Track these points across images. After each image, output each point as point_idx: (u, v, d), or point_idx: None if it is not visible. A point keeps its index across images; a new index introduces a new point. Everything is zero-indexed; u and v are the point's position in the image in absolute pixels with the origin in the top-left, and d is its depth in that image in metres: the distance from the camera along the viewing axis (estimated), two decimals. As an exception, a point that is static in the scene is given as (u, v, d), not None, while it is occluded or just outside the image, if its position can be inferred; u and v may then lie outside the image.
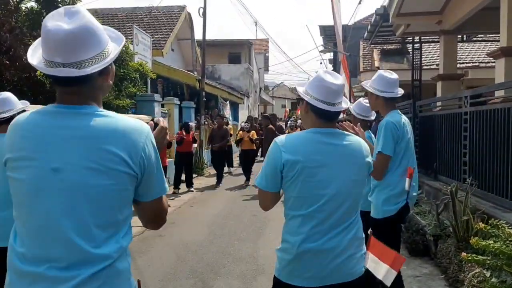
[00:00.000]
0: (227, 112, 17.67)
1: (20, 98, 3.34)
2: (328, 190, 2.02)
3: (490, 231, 3.51)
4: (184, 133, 10.22)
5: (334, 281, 2.03)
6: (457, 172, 5.81)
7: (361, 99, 3.84)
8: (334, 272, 2.03)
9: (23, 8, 8.02)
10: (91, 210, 1.35)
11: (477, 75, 14.23)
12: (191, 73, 16.10)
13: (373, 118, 3.73)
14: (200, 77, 15.05)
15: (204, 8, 14.13)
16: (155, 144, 1.50)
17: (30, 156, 1.36)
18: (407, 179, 3.18)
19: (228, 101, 18.55)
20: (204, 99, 14.84)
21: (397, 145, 3.18)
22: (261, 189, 2.16)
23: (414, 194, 3.35)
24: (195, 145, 10.85)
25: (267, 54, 40.90)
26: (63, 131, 1.36)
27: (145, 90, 9.51)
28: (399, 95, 3.28)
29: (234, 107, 23.73)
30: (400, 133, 3.17)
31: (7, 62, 6.85)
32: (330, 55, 33.51)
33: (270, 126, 12.24)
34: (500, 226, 3.32)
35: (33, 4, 8.03)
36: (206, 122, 14.67)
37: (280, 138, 2.12)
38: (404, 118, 3.30)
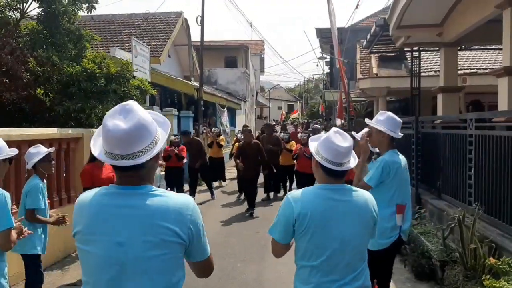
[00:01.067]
0: (224, 119, 17.57)
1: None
2: (335, 243, 2.25)
3: (501, 267, 3.50)
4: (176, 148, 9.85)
5: None
6: (462, 194, 5.79)
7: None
8: None
9: (23, 27, 7.94)
10: (150, 277, 1.63)
11: (475, 82, 14.27)
12: (189, 82, 16.04)
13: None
14: (198, 86, 14.99)
15: (202, 17, 14.08)
16: (199, 214, 1.77)
17: (98, 232, 1.64)
18: (399, 215, 3.55)
19: (225, 108, 18.49)
20: (203, 108, 14.79)
21: (390, 182, 3.53)
22: (274, 240, 2.40)
23: (406, 227, 3.70)
24: (185, 160, 10.18)
25: (262, 56, 40.87)
26: (124, 210, 1.65)
27: (144, 105, 9.45)
28: (400, 136, 3.65)
29: (232, 113, 23.68)
30: (392, 172, 3.52)
31: (7, 81, 6.78)
32: (327, 57, 33.46)
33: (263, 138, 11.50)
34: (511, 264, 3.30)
35: (33, 23, 7.95)
36: (204, 131, 14.61)
37: (293, 194, 2.36)
38: (402, 158, 3.63)
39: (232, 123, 23.37)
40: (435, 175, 6.92)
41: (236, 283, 5.46)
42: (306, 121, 36.96)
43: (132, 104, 1.69)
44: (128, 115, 1.63)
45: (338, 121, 19.87)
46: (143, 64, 11.00)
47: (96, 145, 1.72)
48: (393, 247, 3.56)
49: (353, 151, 2.42)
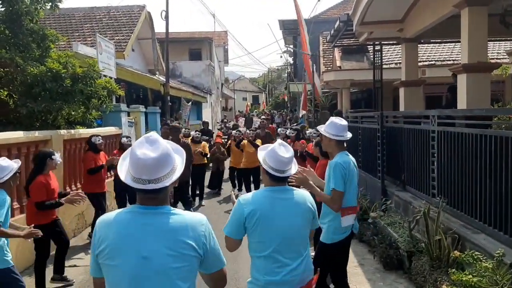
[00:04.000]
0: (185, 114, 17.14)
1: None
2: (281, 235, 2.68)
3: (465, 259, 3.75)
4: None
5: None
6: (426, 186, 6.07)
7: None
8: None
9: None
10: (171, 285, 1.85)
11: (434, 74, 14.77)
12: (155, 77, 15.86)
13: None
14: (164, 81, 14.85)
15: (167, 11, 13.92)
16: (211, 230, 2.02)
17: (125, 247, 1.83)
18: (352, 215, 3.89)
19: (190, 102, 18.38)
20: (170, 103, 14.68)
21: (346, 183, 3.79)
22: (228, 236, 2.79)
23: (357, 225, 4.10)
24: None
25: (226, 47, 40.66)
26: (148, 227, 1.86)
27: (111, 105, 9.31)
28: (348, 138, 3.92)
29: (198, 106, 23.57)
30: (347, 171, 3.79)
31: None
32: (291, 49, 33.70)
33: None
34: (475, 258, 3.55)
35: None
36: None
37: (243, 197, 2.78)
38: (351, 158, 3.92)
39: (199, 116, 23.27)
40: (400, 168, 7.20)
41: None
42: (269, 111, 37.12)
43: (155, 135, 1.96)
44: (154, 145, 1.89)
45: (302, 113, 20.11)
46: (109, 60, 10.83)
47: (122, 171, 1.95)
48: (346, 241, 3.92)
49: (294, 160, 2.85)
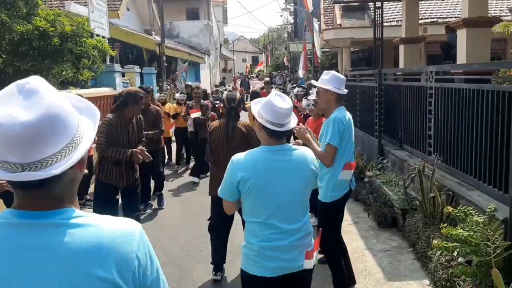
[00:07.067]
0: (181, 74, 16.68)
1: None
2: (278, 200, 2.43)
3: (457, 214, 3.70)
4: None
5: (289, 271, 2.46)
6: (422, 144, 5.99)
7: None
8: (290, 264, 2.46)
9: None
10: None
11: (436, 31, 14.41)
12: (150, 37, 15.53)
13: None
14: (160, 41, 14.54)
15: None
16: (149, 245, 1.19)
17: None
18: (350, 171, 3.78)
19: (187, 63, 18.07)
20: (165, 64, 14.43)
21: (342, 139, 3.67)
22: (223, 198, 2.57)
23: (354, 181, 3.96)
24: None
25: (225, 6, 39.80)
26: (30, 254, 1.03)
27: (103, 66, 9.11)
28: (345, 92, 3.83)
29: (196, 68, 23.23)
30: (346, 127, 3.67)
31: None
32: (291, 7, 32.93)
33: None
34: (467, 213, 3.50)
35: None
36: (169, 87, 14.34)
37: (236, 158, 2.49)
38: (349, 114, 3.80)
39: (197, 78, 22.98)
40: (397, 127, 7.10)
41: (207, 241, 5.57)
42: (269, 73, 36.71)
43: (36, 82, 1.07)
44: (31, 99, 1.03)
45: (302, 73, 19.83)
46: (101, 19, 10.53)
47: None
48: (345, 197, 3.85)
49: (293, 113, 2.57)
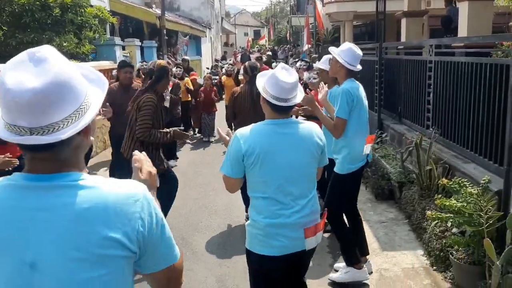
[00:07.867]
0: (182, 48, 16.46)
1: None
2: (283, 174, 2.36)
3: (452, 186, 3.77)
4: None
5: (293, 250, 2.41)
6: (421, 118, 6.03)
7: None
8: (294, 243, 2.40)
9: None
10: None
11: (440, 5, 14.24)
12: (150, 10, 15.38)
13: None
14: (160, 14, 14.41)
15: None
16: (154, 206, 1.24)
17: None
18: (368, 145, 3.73)
19: (187, 36, 17.91)
20: (166, 37, 14.33)
21: (355, 110, 3.59)
22: (226, 175, 2.46)
23: (370, 151, 3.89)
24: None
25: (227, -22, 39.12)
26: (38, 214, 1.09)
27: (105, 35, 9.08)
28: (358, 70, 3.67)
29: (197, 41, 23.04)
30: (355, 98, 3.57)
31: None
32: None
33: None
34: (462, 185, 3.57)
35: None
36: (169, 62, 14.27)
37: (241, 131, 2.41)
38: (359, 86, 3.71)
39: (198, 52, 22.83)
40: (397, 101, 7.12)
41: (207, 211, 5.68)
42: (272, 47, 36.39)
43: (46, 51, 1.12)
44: (40, 65, 1.08)
45: (306, 47, 19.65)
46: (100, -10, 10.46)
47: None
48: (361, 170, 3.83)
49: (299, 86, 2.48)
